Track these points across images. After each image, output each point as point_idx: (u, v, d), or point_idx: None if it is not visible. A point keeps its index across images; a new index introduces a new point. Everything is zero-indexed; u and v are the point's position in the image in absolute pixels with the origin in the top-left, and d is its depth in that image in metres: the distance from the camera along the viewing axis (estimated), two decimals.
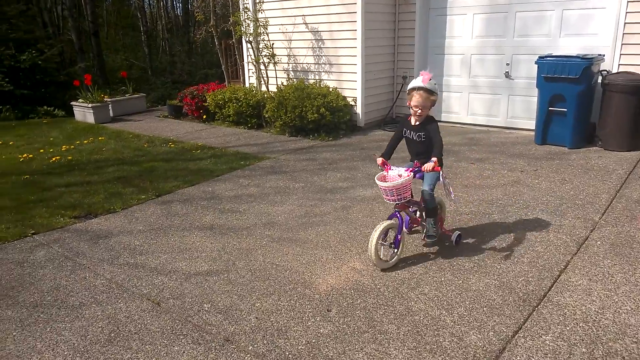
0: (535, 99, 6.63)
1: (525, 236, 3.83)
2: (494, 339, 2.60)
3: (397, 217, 3.42)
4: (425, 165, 3.31)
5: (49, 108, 10.76)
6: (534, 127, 6.68)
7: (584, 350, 2.48)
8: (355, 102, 7.76)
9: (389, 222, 3.41)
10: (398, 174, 3.45)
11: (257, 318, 2.87)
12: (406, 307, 2.93)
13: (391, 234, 3.47)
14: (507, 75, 7.30)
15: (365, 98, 7.76)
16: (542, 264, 3.39)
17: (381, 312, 2.89)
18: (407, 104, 3.50)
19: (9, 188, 5.42)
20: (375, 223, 4.13)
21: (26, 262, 3.67)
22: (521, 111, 7.34)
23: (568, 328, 2.67)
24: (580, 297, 2.97)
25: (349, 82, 7.76)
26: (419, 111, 3.42)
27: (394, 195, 3.39)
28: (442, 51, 7.91)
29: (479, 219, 4.19)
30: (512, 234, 3.88)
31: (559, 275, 3.23)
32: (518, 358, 2.44)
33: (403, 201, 3.43)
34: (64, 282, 3.37)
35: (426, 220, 3.60)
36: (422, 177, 3.52)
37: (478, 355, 2.48)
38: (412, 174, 3.43)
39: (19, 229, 4.25)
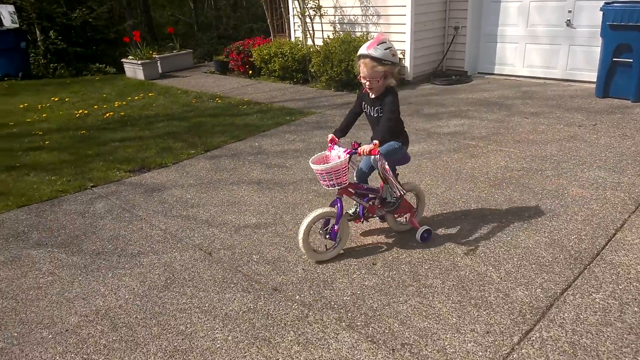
0: (598, 49, 6.20)
1: (580, 193, 3.68)
2: (541, 295, 2.57)
3: (337, 204, 2.96)
4: (363, 147, 2.79)
5: (100, 65, 11.08)
6: (595, 79, 6.27)
7: (636, 309, 2.41)
8: (403, 55, 7.52)
9: (325, 210, 2.99)
10: (338, 154, 2.93)
11: (303, 270, 2.96)
12: (452, 263, 2.92)
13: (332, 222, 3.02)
14: (569, 23, 6.81)
15: (414, 51, 7.49)
16: (597, 222, 3.27)
17: (426, 267, 2.90)
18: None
19: (68, 143, 5.71)
20: (422, 179, 4.11)
21: (87, 213, 3.91)
22: (582, 62, 6.89)
23: (621, 287, 2.60)
24: (635, 256, 2.86)
25: (398, 34, 7.49)
26: (367, 83, 2.88)
27: (326, 180, 2.89)
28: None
29: (531, 176, 4.05)
30: (565, 191, 3.74)
31: (615, 234, 3.11)
32: (566, 315, 2.41)
33: (339, 187, 2.93)
34: (123, 232, 3.57)
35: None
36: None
37: (524, 310, 2.46)
38: (347, 156, 2.88)
39: (79, 182, 4.50)
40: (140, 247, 3.34)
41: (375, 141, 2.79)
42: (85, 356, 2.35)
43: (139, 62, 9.60)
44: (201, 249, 3.27)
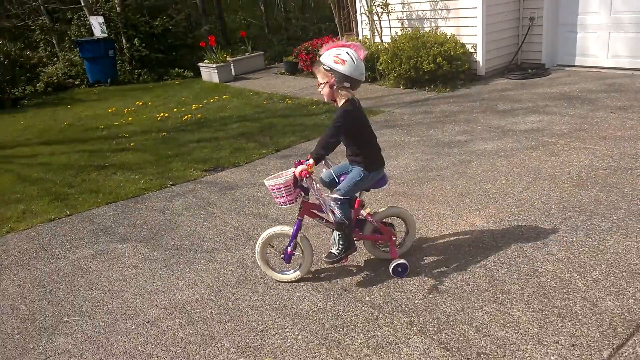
0: None
1: None
2: (634, 307, 2.37)
3: (295, 225, 2.79)
4: (298, 167, 2.56)
5: (179, 70, 11.67)
6: None
7: None
8: (475, 49, 7.24)
9: (279, 229, 2.85)
10: (293, 171, 2.66)
11: (374, 270, 2.94)
12: (531, 268, 2.77)
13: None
14: None
15: (487, 44, 7.19)
16: None
17: (503, 272, 2.77)
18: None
19: (150, 144, 6.07)
20: (497, 178, 3.94)
21: (167, 210, 4.14)
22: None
23: None
24: None
25: (468, 27, 7.22)
26: (320, 90, 2.71)
27: (277, 197, 2.70)
28: None
29: (619, 175, 3.75)
30: None
31: None
32: None
33: (285, 205, 2.71)
34: (199, 228, 3.74)
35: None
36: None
37: (614, 323, 2.28)
38: (292, 173, 2.66)
39: (160, 181, 4.78)
40: (214, 243, 3.48)
41: (310, 161, 2.59)
42: (164, 348, 2.49)
43: (214, 65, 10.00)
44: (272, 246, 3.34)
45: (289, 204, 2.71)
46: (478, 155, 4.51)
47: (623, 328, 2.25)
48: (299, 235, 2.82)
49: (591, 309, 2.39)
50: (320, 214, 2.82)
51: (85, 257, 3.48)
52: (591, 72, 7.00)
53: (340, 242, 2.77)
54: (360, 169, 2.73)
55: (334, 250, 2.80)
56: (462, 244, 3.10)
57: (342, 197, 2.67)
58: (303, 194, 2.76)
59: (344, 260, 2.85)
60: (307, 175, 2.57)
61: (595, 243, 2.94)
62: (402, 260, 2.83)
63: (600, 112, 5.25)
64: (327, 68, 2.58)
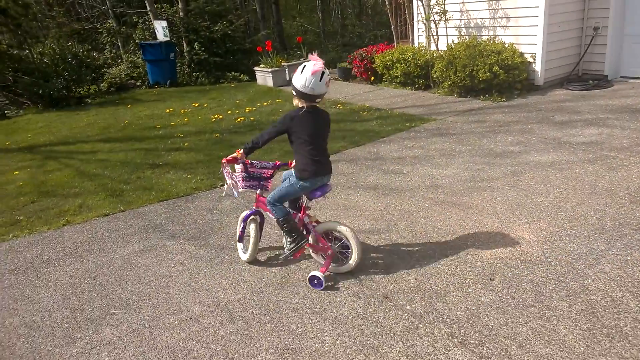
0: None
1: None
2: None
3: (251, 210, 3.27)
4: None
5: (235, 73, 12.03)
6: None
7: None
8: (533, 59, 7.01)
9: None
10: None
11: (415, 279, 2.92)
12: (581, 285, 2.67)
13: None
14: None
15: (547, 54, 6.95)
16: None
17: (551, 287, 2.69)
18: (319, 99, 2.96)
19: (203, 145, 6.30)
20: (550, 191, 3.82)
21: (215, 210, 4.28)
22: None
23: None
24: None
25: (528, 36, 7.01)
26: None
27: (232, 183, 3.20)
28: None
29: None
30: None
31: None
32: None
33: (240, 191, 3.21)
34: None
35: None
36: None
37: None
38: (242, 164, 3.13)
39: (210, 181, 4.95)
40: (260, 244, 3.57)
41: (240, 150, 3.01)
42: (204, 344, 2.58)
43: (269, 69, 10.24)
44: None
45: (239, 189, 3.15)
46: (531, 167, 4.37)
47: None
48: (250, 220, 3.20)
49: None
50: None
51: (135, 252, 3.65)
52: None
53: (288, 239, 3.01)
54: (293, 176, 2.96)
55: (285, 248, 3.07)
56: (510, 257, 3.03)
57: (270, 200, 3.00)
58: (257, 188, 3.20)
59: (297, 253, 3.04)
60: (224, 162, 3.02)
61: None
62: (320, 275, 2.89)
63: None
64: (294, 88, 2.90)
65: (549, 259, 2.95)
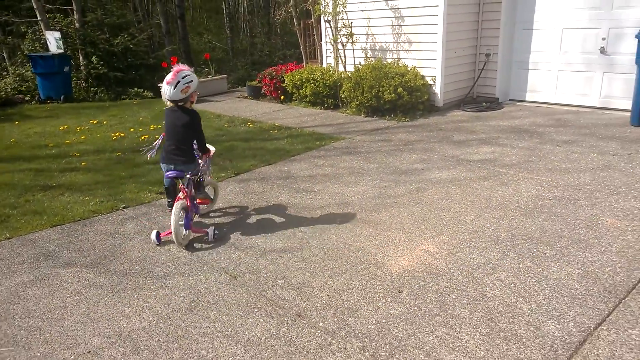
0: (633, 77, 6.06)
1: (615, 224, 3.55)
2: (574, 330, 2.47)
3: None
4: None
5: (138, 89, 11.49)
6: (630, 107, 6.11)
7: None
8: (434, 82, 7.52)
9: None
10: None
11: (328, 296, 2.94)
12: (480, 293, 2.85)
13: None
14: (603, 50, 6.70)
15: (445, 77, 7.49)
16: (632, 255, 3.14)
17: (454, 297, 2.83)
18: (192, 99, 3.65)
19: (103, 164, 5.89)
20: (451, 206, 4.05)
21: (117, 234, 4.00)
22: (617, 90, 6.74)
23: None
24: None
25: (428, 60, 7.52)
26: None
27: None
28: (530, 26, 7.41)
29: (564, 205, 3.94)
30: (600, 222, 3.61)
31: None
32: (600, 351, 2.30)
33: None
34: (150, 253, 3.63)
35: None
36: None
37: (556, 345, 2.36)
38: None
39: (112, 203, 4.62)
40: (166, 268, 3.39)
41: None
42: None
43: None
44: (227, 272, 3.29)
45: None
46: (434, 183, 4.63)
47: (563, 350, 2.33)
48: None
49: (535, 332, 2.47)
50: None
51: (24, 283, 3.28)
52: (540, 108, 7.39)
53: None
54: None
55: None
56: (416, 270, 3.15)
57: None
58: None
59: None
60: None
61: (540, 269, 3.05)
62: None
63: (547, 145, 5.53)
64: None
65: (451, 270, 3.12)
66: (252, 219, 4.13)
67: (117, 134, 7.42)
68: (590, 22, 6.75)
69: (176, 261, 3.48)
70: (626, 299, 2.70)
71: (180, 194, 3.67)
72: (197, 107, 9.37)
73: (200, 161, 3.82)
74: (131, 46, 12.09)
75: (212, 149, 3.95)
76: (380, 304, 2.82)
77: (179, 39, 15.73)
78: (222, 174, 5.28)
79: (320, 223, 3.95)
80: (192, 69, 3.60)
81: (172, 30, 16.62)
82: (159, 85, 10.51)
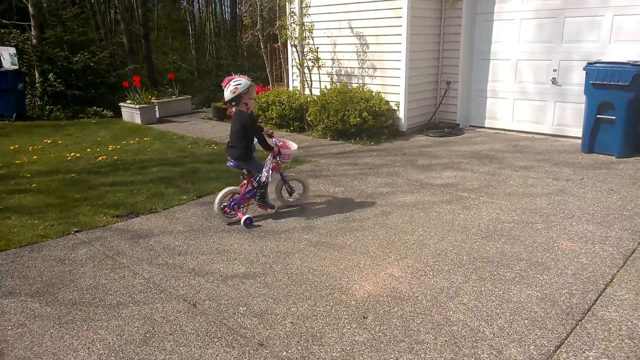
0: (582, 106, 6.36)
1: (570, 247, 3.65)
2: (534, 353, 2.49)
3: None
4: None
5: (98, 108, 11.19)
6: (581, 135, 6.40)
7: None
8: (398, 107, 7.67)
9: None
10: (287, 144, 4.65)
11: (292, 323, 2.86)
12: (444, 317, 2.84)
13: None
14: (555, 81, 7.03)
15: (408, 103, 7.65)
16: (586, 277, 3.23)
17: (418, 322, 2.81)
18: (243, 102, 4.22)
19: (56, 186, 5.64)
20: (415, 230, 4.07)
21: (67, 260, 3.79)
22: (568, 118, 7.05)
23: (613, 344, 2.53)
24: (626, 312, 2.82)
25: (393, 86, 7.68)
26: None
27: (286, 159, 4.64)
28: (487, 56, 7.71)
29: (522, 228, 4.03)
30: (556, 245, 3.71)
31: (605, 289, 3.07)
32: None
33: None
34: (103, 280, 3.46)
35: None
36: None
37: None
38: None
39: (63, 227, 4.40)
40: (120, 297, 3.22)
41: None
42: None
43: (137, 106, 9.71)
44: (185, 299, 3.16)
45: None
46: (398, 207, 4.66)
47: None
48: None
49: (497, 357, 2.48)
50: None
51: None
52: (499, 134, 7.63)
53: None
54: None
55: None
56: (381, 294, 3.12)
57: None
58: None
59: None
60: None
61: (501, 292, 3.09)
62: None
63: (506, 170, 5.69)
64: None
65: (416, 294, 3.11)
66: (213, 243, 4.02)
67: (73, 154, 7.16)
68: (543, 55, 7.09)
69: (131, 289, 3.32)
70: (583, 320, 2.76)
71: (245, 182, 4.43)
72: (160, 128, 9.22)
73: (267, 163, 4.37)
74: (92, 64, 11.82)
75: (293, 147, 4.61)
76: (345, 330, 2.77)
77: (142, 58, 15.51)
78: (184, 197, 5.14)
79: (285, 247, 3.89)
80: (244, 77, 4.26)
81: (136, 49, 16.39)
82: (120, 104, 10.30)
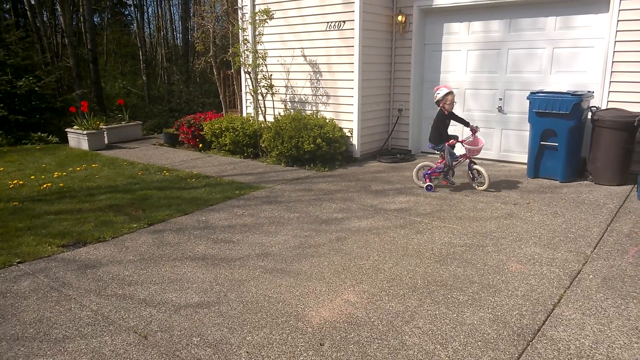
0: (527, 133, 6.71)
1: (520, 269, 3.80)
2: None
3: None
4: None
5: (42, 134, 10.75)
6: (526, 161, 6.73)
7: None
8: (351, 134, 7.81)
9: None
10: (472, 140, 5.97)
11: (247, 352, 2.79)
12: (400, 342, 2.86)
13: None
14: (500, 109, 7.40)
15: (362, 130, 7.82)
16: (535, 298, 3.35)
17: (375, 347, 2.82)
18: (443, 105, 5.79)
19: None
20: (370, 255, 4.11)
21: (9, 293, 3.57)
22: (514, 145, 7.42)
23: None
24: (573, 331, 2.93)
25: (346, 113, 7.83)
26: (452, 106, 5.85)
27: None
28: (436, 85, 8.02)
29: (473, 251, 4.16)
30: (505, 267, 3.85)
31: (553, 309, 3.20)
32: None
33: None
34: (48, 313, 3.27)
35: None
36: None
37: None
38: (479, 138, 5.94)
39: (4, 258, 4.15)
40: (66, 330, 3.06)
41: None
42: None
43: (84, 132, 9.40)
44: (136, 331, 3.03)
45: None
46: (353, 232, 4.70)
47: None
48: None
49: None
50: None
51: None
52: None
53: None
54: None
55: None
56: (337, 320, 3.12)
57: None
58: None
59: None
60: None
61: (455, 315, 3.15)
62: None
63: (456, 194, 5.88)
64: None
65: (372, 319, 3.12)
66: (165, 272, 3.89)
67: (15, 181, 6.81)
68: (488, 84, 7.47)
69: (78, 322, 3.15)
70: (533, 341, 2.85)
71: (439, 161, 6.04)
72: (108, 154, 8.96)
73: (446, 151, 5.91)
74: (36, 89, 11.39)
75: (479, 144, 5.95)
76: (302, 358, 2.73)
77: (90, 83, 15.09)
78: (134, 225, 4.98)
79: (240, 275, 3.82)
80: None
81: (84, 74, 15.95)
82: (67, 130, 9.93)
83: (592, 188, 6.01)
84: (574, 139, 6.20)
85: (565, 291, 3.44)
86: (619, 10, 6.07)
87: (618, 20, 6.10)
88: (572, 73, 6.75)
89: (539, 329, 2.97)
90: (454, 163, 6.02)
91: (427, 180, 6.02)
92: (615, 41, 6.16)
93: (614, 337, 2.86)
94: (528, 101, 6.39)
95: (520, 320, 3.07)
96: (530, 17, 6.94)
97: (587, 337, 2.86)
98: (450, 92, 5.82)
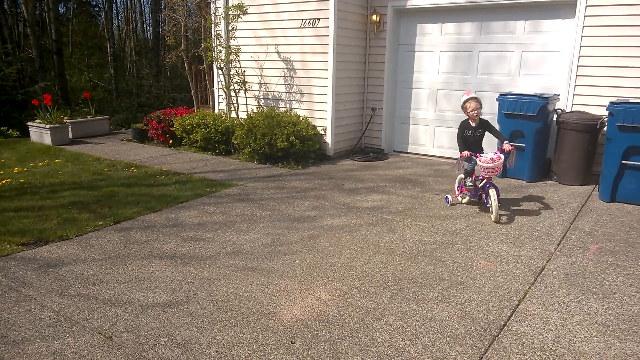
0: None
1: (487, 266, 3.86)
2: None
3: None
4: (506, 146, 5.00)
5: (2, 128, 10.31)
6: None
7: None
8: (325, 132, 7.79)
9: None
10: (491, 157, 4.94)
11: (217, 352, 2.74)
12: (371, 338, 2.86)
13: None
14: None
15: (335, 128, 7.81)
16: (502, 294, 3.42)
17: (346, 344, 2.81)
18: (465, 112, 5.16)
19: None
20: (342, 253, 4.11)
21: None
22: (485, 145, 7.53)
23: (526, 357, 2.69)
24: (537, 326, 3.01)
25: (320, 111, 7.81)
26: (476, 112, 5.09)
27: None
28: (410, 85, 8.11)
29: (443, 249, 4.21)
30: (474, 264, 3.91)
31: (518, 305, 3.27)
32: None
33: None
34: (6, 315, 3.13)
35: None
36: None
37: None
38: (502, 157, 4.93)
39: None
40: (25, 332, 2.93)
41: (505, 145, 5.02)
42: None
43: (47, 125, 9.07)
44: (100, 332, 2.93)
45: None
46: (326, 230, 4.69)
47: None
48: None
49: None
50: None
51: None
52: (421, 159, 7.99)
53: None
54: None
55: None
56: (309, 318, 3.09)
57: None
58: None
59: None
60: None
61: (425, 312, 3.18)
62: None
63: (428, 193, 5.95)
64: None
65: (343, 317, 3.12)
66: (132, 271, 3.79)
67: None
68: (460, 85, 7.58)
69: (38, 323, 3.03)
70: (499, 335, 2.91)
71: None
72: (73, 149, 8.69)
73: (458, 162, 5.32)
74: None
75: (486, 162, 4.93)
76: (272, 356, 2.70)
77: (54, 76, 14.59)
78: (100, 222, 4.83)
79: (210, 273, 3.75)
80: None
81: (48, 65, 15.41)
82: (28, 124, 9.57)
83: (557, 188, 6.18)
84: (540, 140, 6.36)
85: (530, 287, 3.53)
86: (585, 15, 6.25)
87: (584, 26, 6.28)
88: (539, 76, 6.92)
89: (505, 324, 3.03)
90: (473, 180, 5.29)
91: (459, 191, 5.53)
92: (581, 46, 6.33)
93: (575, 331, 2.95)
94: (497, 103, 6.51)
95: (487, 315, 3.13)
96: (501, 20, 7.08)
97: (550, 332, 2.94)
98: (473, 99, 5.09)
